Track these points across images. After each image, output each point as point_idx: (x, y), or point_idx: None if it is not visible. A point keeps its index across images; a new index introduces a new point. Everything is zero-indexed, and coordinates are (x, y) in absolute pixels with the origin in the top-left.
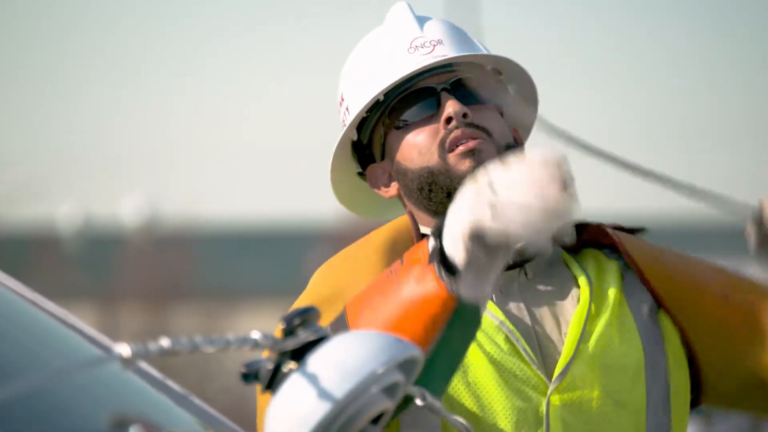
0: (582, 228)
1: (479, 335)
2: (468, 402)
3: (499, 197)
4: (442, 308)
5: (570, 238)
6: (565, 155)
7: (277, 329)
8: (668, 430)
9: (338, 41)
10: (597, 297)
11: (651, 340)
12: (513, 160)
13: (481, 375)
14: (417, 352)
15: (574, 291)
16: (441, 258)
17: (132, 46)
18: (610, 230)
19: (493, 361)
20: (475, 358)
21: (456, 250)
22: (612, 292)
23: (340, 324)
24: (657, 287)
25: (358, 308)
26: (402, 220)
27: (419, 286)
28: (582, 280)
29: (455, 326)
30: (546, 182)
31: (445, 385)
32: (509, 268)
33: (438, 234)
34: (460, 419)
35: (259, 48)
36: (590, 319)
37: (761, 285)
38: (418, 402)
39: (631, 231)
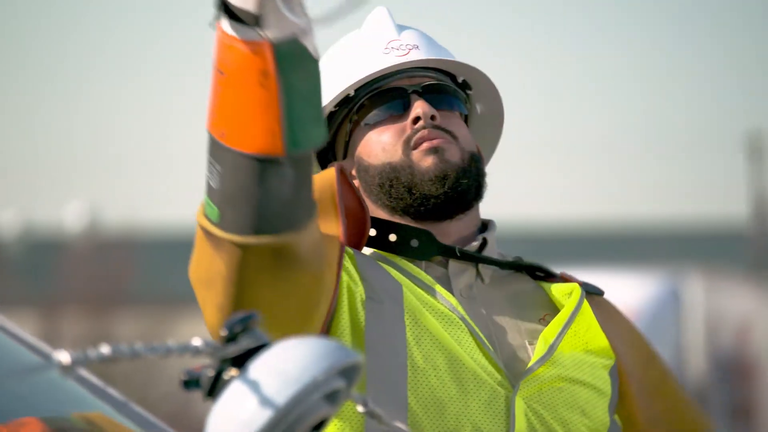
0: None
1: (443, 329)
2: (434, 387)
3: None
4: (262, 59)
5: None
6: None
7: (219, 336)
8: None
9: None
10: (579, 315)
11: (615, 377)
12: None
13: (448, 361)
14: (359, 359)
15: (537, 304)
16: (235, 18)
17: (75, 53)
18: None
19: (458, 356)
20: (443, 344)
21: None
22: (591, 317)
23: (211, 144)
24: (616, 347)
25: (211, 119)
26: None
27: (230, 55)
28: (559, 291)
29: (289, 70)
30: None
31: (319, 130)
32: (463, 258)
33: (221, 3)
34: (402, 426)
35: (200, 55)
36: (568, 331)
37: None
38: (360, 409)
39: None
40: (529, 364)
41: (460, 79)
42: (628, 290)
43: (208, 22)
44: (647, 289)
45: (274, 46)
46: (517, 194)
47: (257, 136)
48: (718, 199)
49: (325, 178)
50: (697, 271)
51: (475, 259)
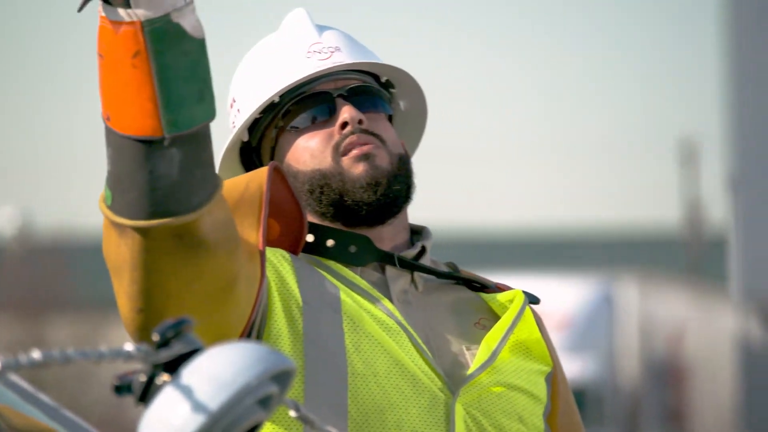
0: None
1: (383, 334)
2: (374, 393)
3: None
4: (133, 39)
5: None
6: None
7: (151, 341)
8: None
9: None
10: (521, 322)
11: (550, 385)
12: None
13: (388, 367)
14: (292, 364)
15: (473, 311)
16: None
17: (2, 58)
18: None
19: (398, 362)
20: (382, 348)
21: None
22: (532, 323)
23: (105, 132)
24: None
25: (102, 103)
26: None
27: (103, 39)
28: (500, 298)
29: (161, 49)
30: None
31: (203, 108)
32: (398, 263)
33: None
34: (334, 430)
35: None
36: (510, 337)
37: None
38: (291, 414)
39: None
40: (470, 371)
41: (383, 79)
42: (563, 295)
43: (76, 8)
44: (581, 294)
45: (144, 26)
46: (451, 200)
47: (135, 117)
48: (651, 204)
49: (256, 177)
50: (630, 276)
51: (413, 267)
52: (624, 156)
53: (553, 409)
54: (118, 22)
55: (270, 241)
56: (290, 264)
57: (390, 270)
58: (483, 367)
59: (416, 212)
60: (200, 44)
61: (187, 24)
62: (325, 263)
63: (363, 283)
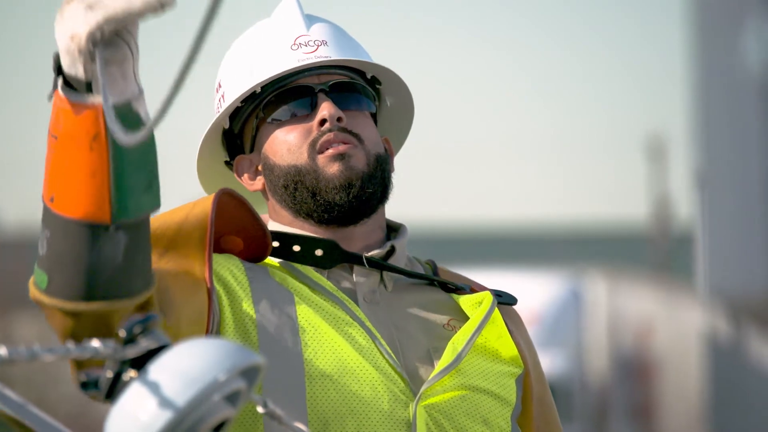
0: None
1: (343, 339)
2: (333, 401)
3: None
4: (92, 122)
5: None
6: None
7: (118, 337)
8: None
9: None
10: (489, 324)
11: (521, 386)
12: None
13: (347, 374)
14: (260, 360)
15: (443, 311)
16: (66, 82)
17: None
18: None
19: (358, 366)
20: (341, 356)
21: (75, 64)
22: (501, 325)
23: (43, 212)
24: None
25: (44, 186)
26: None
27: (61, 119)
28: (469, 301)
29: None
30: None
31: (153, 197)
32: (364, 261)
33: (56, 65)
34: (302, 426)
35: None
36: (478, 339)
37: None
38: (260, 410)
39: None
40: (433, 373)
41: (369, 75)
42: (530, 291)
43: (46, 95)
44: (549, 290)
45: (104, 113)
46: (421, 196)
47: (85, 201)
48: (619, 201)
49: (200, 204)
50: (598, 272)
51: (382, 267)
52: (592, 152)
53: (524, 410)
54: (79, 105)
55: (232, 251)
56: (244, 274)
57: (358, 270)
58: (446, 369)
59: (388, 208)
60: (152, 133)
61: (142, 111)
62: (291, 265)
63: (329, 285)
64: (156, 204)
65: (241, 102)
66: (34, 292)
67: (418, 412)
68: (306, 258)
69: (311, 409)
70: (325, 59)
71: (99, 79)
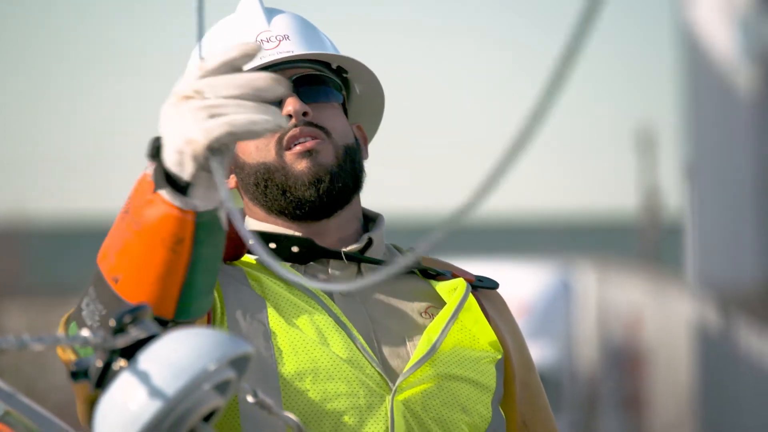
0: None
1: (316, 338)
2: (308, 402)
3: (211, 99)
4: (182, 227)
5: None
6: (254, 46)
7: (108, 326)
8: None
9: (172, 40)
10: (465, 311)
11: (501, 371)
12: (206, 61)
13: (321, 373)
14: (249, 350)
15: (421, 300)
16: (166, 177)
17: None
18: (470, 276)
19: (333, 365)
20: (314, 355)
21: (184, 166)
22: (477, 311)
23: (98, 281)
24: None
25: (107, 258)
26: None
27: (153, 212)
28: (445, 288)
29: (202, 240)
30: (250, 72)
31: (209, 299)
32: (337, 253)
33: (155, 155)
34: (291, 416)
35: (93, 46)
36: (455, 326)
37: (551, 414)
38: (249, 399)
39: (489, 286)
40: (408, 365)
41: (334, 65)
42: (520, 281)
43: (146, 157)
44: (539, 281)
45: (196, 217)
46: (411, 186)
47: (152, 297)
48: (608, 191)
49: None
50: (588, 262)
51: (359, 260)
52: (582, 143)
53: (506, 394)
54: (171, 204)
55: None
56: (218, 285)
57: (334, 264)
58: (421, 360)
59: (371, 198)
60: (224, 238)
61: (223, 218)
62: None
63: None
64: (209, 305)
65: None
66: (64, 354)
67: (395, 406)
68: (282, 255)
69: (288, 413)
70: (288, 54)
71: (220, 190)
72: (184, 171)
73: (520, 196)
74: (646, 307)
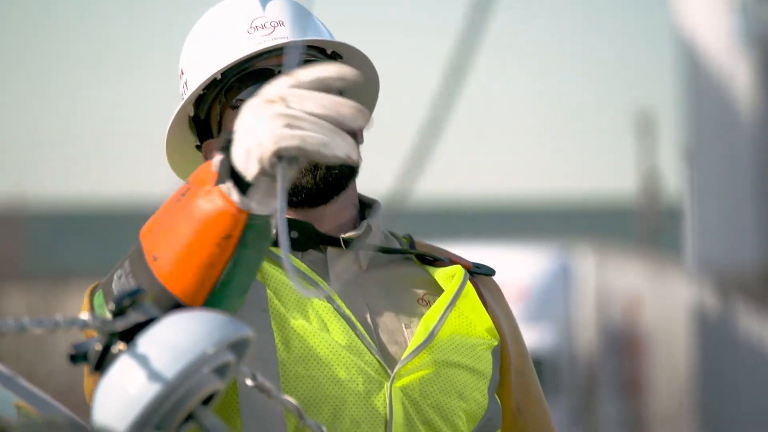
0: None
1: (315, 326)
2: (307, 388)
3: (294, 110)
4: (234, 225)
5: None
6: (353, 73)
7: (107, 310)
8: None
9: (167, 26)
10: (462, 297)
11: (497, 358)
12: (301, 72)
13: (320, 359)
14: (249, 333)
15: (417, 287)
16: (230, 173)
17: None
18: (467, 263)
19: (331, 352)
20: (313, 341)
21: (249, 166)
22: (475, 298)
23: (136, 255)
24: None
25: (151, 235)
26: None
27: (209, 204)
28: (442, 275)
29: (248, 242)
30: (337, 95)
31: (241, 300)
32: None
33: (225, 148)
34: (291, 400)
35: (89, 34)
36: (452, 312)
37: (544, 401)
38: (249, 382)
39: (486, 273)
40: (406, 352)
41: (329, 51)
42: (519, 265)
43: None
44: (538, 265)
45: (249, 218)
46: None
47: (187, 284)
48: (608, 175)
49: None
50: (587, 246)
51: (359, 248)
52: (581, 126)
53: (502, 381)
54: (228, 199)
55: None
56: None
57: (332, 249)
58: (420, 348)
59: (375, 183)
60: (269, 245)
61: (273, 226)
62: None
63: (303, 267)
64: (240, 306)
65: (204, 89)
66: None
67: (393, 393)
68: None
69: (287, 395)
70: (283, 41)
71: (279, 197)
72: (248, 171)
73: (520, 180)
74: (645, 290)
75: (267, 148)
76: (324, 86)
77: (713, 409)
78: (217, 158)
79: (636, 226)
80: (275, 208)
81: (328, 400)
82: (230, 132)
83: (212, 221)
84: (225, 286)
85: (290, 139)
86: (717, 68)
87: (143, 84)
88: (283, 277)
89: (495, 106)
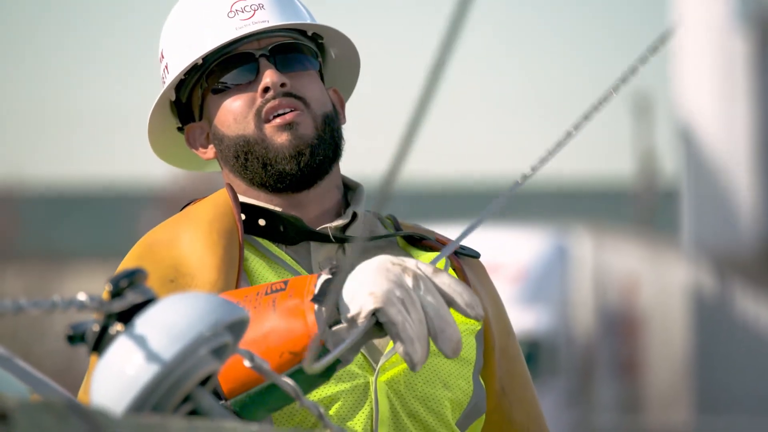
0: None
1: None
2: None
3: (416, 296)
4: (301, 346)
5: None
6: (479, 314)
7: (105, 291)
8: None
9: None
10: None
11: (481, 342)
12: (445, 273)
13: None
14: (245, 314)
15: None
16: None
17: None
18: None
19: None
20: None
21: (349, 305)
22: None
23: None
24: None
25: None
26: (221, 194)
27: (292, 317)
28: (426, 260)
29: (303, 373)
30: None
31: (264, 416)
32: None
33: (333, 274)
34: (289, 380)
35: (82, 13)
36: None
37: (530, 381)
38: (246, 363)
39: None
40: (389, 348)
41: (309, 32)
42: (517, 247)
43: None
44: (535, 246)
45: (316, 355)
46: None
47: (231, 377)
48: (604, 156)
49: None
50: (584, 228)
51: (344, 240)
52: (577, 107)
53: (486, 363)
54: (313, 328)
55: None
56: None
57: (316, 244)
58: None
59: (364, 165)
60: (317, 386)
61: (332, 372)
62: (253, 239)
63: (288, 259)
64: (263, 420)
65: (185, 74)
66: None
67: (378, 387)
68: (270, 233)
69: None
70: (263, 25)
71: (352, 339)
72: (344, 308)
73: (516, 161)
74: (642, 271)
75: (373, 302)
76: (449, 300)
77: (710, 390)
78: (323, 278)
79: (633, 207)
80: (347, 359)
81: (314, 396)
82: (351, 264)
83: (286, 335)
84: (263, 396)
85: (396, 313)
86: (714, 48)
87: (140, 65)
88: (266, 271)
89: (491, 87)
